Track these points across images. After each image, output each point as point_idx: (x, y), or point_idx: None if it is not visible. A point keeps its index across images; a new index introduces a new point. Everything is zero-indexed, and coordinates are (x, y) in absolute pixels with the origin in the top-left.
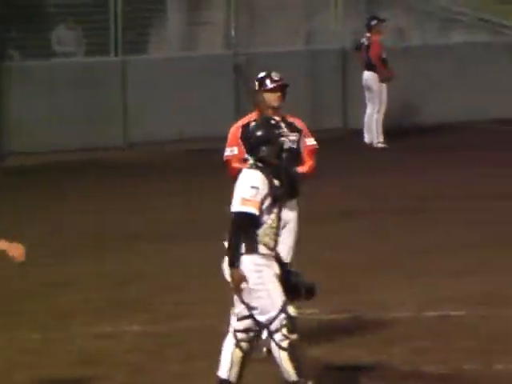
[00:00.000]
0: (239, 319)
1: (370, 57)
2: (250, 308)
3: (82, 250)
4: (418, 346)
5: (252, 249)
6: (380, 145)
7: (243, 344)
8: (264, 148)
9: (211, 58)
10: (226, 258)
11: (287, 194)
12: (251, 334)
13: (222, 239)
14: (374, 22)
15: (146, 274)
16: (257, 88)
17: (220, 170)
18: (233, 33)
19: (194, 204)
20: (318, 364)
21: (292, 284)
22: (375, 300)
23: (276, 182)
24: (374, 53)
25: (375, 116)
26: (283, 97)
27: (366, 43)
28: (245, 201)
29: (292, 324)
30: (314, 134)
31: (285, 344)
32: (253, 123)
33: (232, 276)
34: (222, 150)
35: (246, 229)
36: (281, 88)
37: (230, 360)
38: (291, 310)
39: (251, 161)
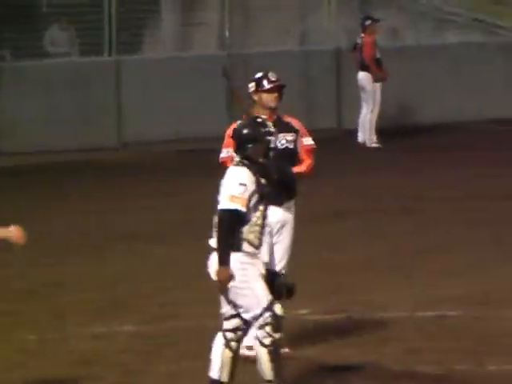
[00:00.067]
0: (226, 319)
1: (363, 57)
2: (235, 306)
3: (79, 250)
4: (411, 346)
5: (236, 247)
6: (373, 145)
7: (232, 344)
8: (250, 146)
9: (205, 58)
10: (212, 258)
11: (285, 194)
12: (240, 333)
13: (208, 237)
14: (368, 22)
15: (141, 274)
16: (254, 89)
17: (214, 170)
18: (227, 33)
19: (189, 204)
20: (311, 364)
21: (273, 284)
22: (370, 300)
23: (263, 180)
24: (366, 54)
25: (368, 116)
26: (280, 97)
27: (360, 44)
28: (233, 198)
29: (277, 323)
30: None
31: (267, 341)
32: (239, 122)
33: (219, 274)
34: (216, 151)
35: (234, 226)
36: (278, 88)
37: (220, 360)
38: (278, 309)
39: (237, 158)
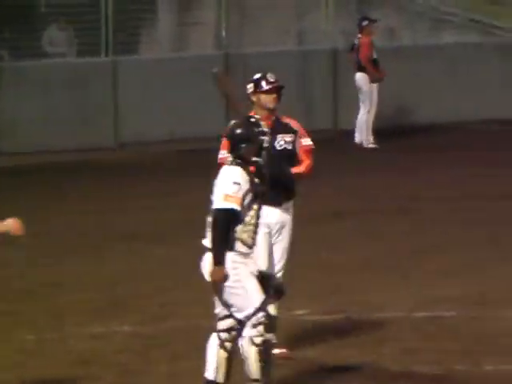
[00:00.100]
0: (220, 319)
1: (360, 58)
2: (228, 306)
3: (77, 250)
4: (409, 347)
5: (229, 246)
6: (370, 145)
7: (227, 344)
8: (243, 146)
9: (202, 58)
10: (205, 258)
11: (284, 195)
12: (234, 333)
13: (201, 237)
14: (365, 23)
15: (140, 274)
16: (252, 89)
17: (213, 171)
18: (223, 33)
19: (188, 204)
20: (310, 364)
21: (263, 284)
22: (367, 300)
23: (256, 180)
24: (362, 54)
25: (365, 116)
26: (279, 98)
27: (357, 44)
28: (227, 197)
29: (270, 323)
30: None
31: (258, 340)
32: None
33: (214, 274)
34: (214, 150)
35: (229, 225)
36: (276, 89)
37: (215, 361)
38: (272, 309)
39: (230, 158)
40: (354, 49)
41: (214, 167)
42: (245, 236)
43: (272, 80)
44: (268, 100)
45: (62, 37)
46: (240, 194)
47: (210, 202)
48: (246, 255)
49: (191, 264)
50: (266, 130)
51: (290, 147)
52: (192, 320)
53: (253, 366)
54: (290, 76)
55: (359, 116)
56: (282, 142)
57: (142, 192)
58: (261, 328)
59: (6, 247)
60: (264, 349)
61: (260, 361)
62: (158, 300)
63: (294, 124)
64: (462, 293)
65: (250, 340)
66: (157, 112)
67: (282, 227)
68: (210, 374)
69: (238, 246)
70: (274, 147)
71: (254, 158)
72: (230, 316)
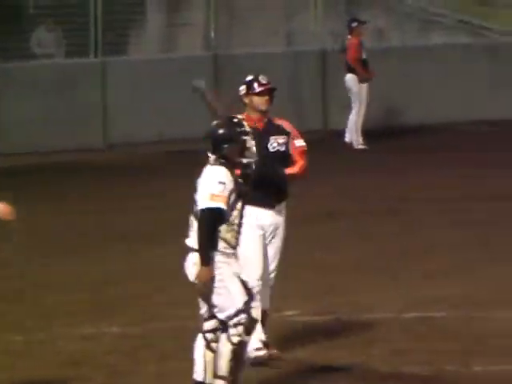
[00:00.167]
0: (206, 320)
1: (347, 59)
2: (210, 306)
3: (66, 251)
4: (398, 347)
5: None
6: (360, 146)
7: (213, 344)
8: (226, 146)
9: (191, 59)
10: (189, 258)
11: (276, 197)
12: (219, 333)
13: (185, 237)
14: (354, 24)
15: (128, 275)
16: (244, 91)
17: (201, 171)
18: (212, 34)
19: (176, 204)
20: (300, 365)
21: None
22: (357, 301)
23: (239, 180)
24: (350, 55)
25: (355, 117)
26: (271, 100)
27: (346, 45)
28: (213, 196)
29: (251, 326)
30: None
31: (235, 340)
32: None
33: (201, 274)
34: (201, 152)
35: (215, 225)
36: (269, 91)
37: (202, 362)
38: (253, 312)
39: (212, 157)
40: (344, 50)
41: (203, 168)
42: (228, 236)
43: (264, 82)
44: (260, 102)
45: (51, 38)
46: (226, 194)
47: (194, 201)
48: (229, 255)
49: (179, 264)
50: (248, 129)
51: (283, 149)
52: (180, 321)
53: (223, 363)
54: (279, 77)
55: (350, 116)
56: (275, 143)
57: (131, 193)
58: (240, 329)
59: None
60: (239, 349)
61: (232, 360)
62: (147, 301)
63: (286, 125)
64: (451, 293)
65: (228, 338)
66: (145, 113)
67: (276, 229)
68: (198, 375)
69: (222, 245)
70: (267, 149)
71: (239, 159)
72: (215, 316)
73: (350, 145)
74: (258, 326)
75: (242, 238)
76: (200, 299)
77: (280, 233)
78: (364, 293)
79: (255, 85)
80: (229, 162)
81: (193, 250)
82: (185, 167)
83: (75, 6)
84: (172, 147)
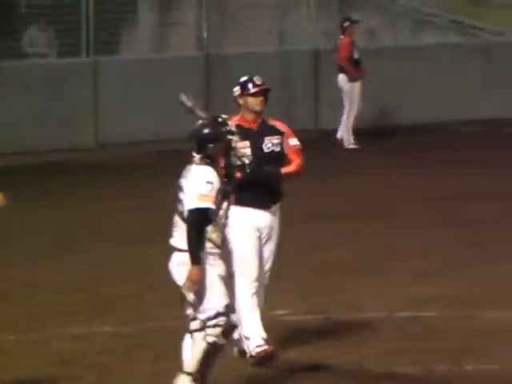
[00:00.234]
0: (192, 319)
1: (337, 59)
2: (191, 306)
3: (57, 251)
4: (390, 347)
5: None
6: (351, 146)
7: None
8: (211, 145)
9: (183, 59)
10: (173, 258)
11: (271, 198)
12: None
13: (169, 237)
14: (346, 24)
15: (121, 274)
16: (239, 92)
17: (183, 171)
18: (204, 34)
19: (168, 204)
20: (291, 365)
21: None
22: (349, 301)
23: (224, 179)
24: (341, 55)
25: (345, 116)
26: (265, 101)
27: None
28: (201, 196)
29: (228, 330)
30: None
31: (210, 339)
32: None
33: (192, 274)
34: (187, 151)
35: (204, 225)
36: (263, 92)
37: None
38: (234, 316)
39: (197, 157)
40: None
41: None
42: (214, 236)
43: (259, 83)
44: (255, 103)
45: (43, 37)
46: (213, 193)
47: (178, 200)
48: (215, 255)
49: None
50: (233, 129)
51: (277, 149)
52: (172, 320)
53: (193, 361)
54: (271, 77)
55: (343, 116)
56: (270, 144)
57: (122, 192)
58: (218, 330)
59: None
60: (212, 350)
61: (202, 359)
62: (139, 300)
63: (280, 125)
64: (443, 293)
65: (204, 337)
66: (137, 112)
67: (271, 230)
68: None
69: (208, 246)
70: (262, 150)
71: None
72: None
73: (341, 142)
74: (260, 324)
75: (239, 239)
76: (186, 299)
77: (275, 234)
78: (356, 292)
79: (250, 85)
80: (214, 162)
81: (177, 249)
82: (177, 167)
83: (67, 6)
84: (164, 147)
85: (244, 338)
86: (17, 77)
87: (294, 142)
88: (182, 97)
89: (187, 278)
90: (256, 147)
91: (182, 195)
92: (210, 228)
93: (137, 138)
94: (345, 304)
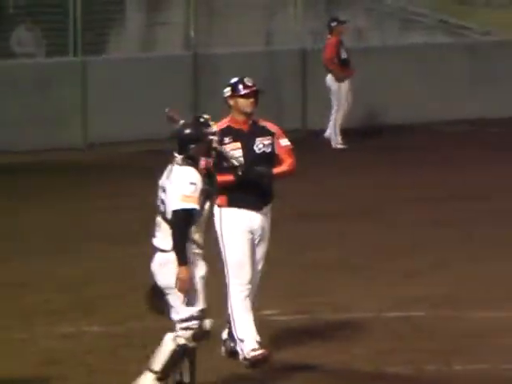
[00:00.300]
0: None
1: (324, 59)
2: (167, 305)
3: (45, 251)
4: (379, 347)
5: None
6: (338, 146)
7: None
8: (192, 146)
9: (170, 58)
10: (156, 258)
11: (262, 199)
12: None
13: (152, 237)
14: (334, 24)
15: (109, 274)
16: (229, 93)
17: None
18: (192, 33)
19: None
20: (281, 365)
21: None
22: (337, 301)
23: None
24: (326, 55)
25: (333, 116)
26: (256, 102)
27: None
28: (185, 197)
29: (200, 334)
30: None
31: (180, 341)
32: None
33: (180, 274)
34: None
35: (189, 225)
36: (254, 94)
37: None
38: (208, 322)
39: (179, 157)
40: None
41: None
42: (197, 236)
43: (250, 84)
44: (245, 104)
45: (31, 37)
46: (197, 194)
47: (160, 201)
48: (196, 255)
49: None
50: (215, 129)
51: (268, 150)
52: (161, 320)
53: (160, 359)
54: (258, 76)
55: (332, 116)
56: (261, 145)
57: (109, 192)
58: (188, 333)
59: None
60: (181, 352)
61: (170, 358)
62: (128, 300)
63: (270, 126)
64: (432, 293)
65: (174, 337)
66: (126, 112)
67: (263, 231)
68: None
69: (190, 246)
70: (253, 151)
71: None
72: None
73: (329, 141)
74: (253, 327)
75: (232, 241)
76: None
77: (266, 235)
78: (344, 292)
79: (240, 87)
80: (195, 162)
81: (159, 249)
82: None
83: (55, 6)
84: (152, 146)
85: (238, 340)
86: (4, 77)
87: (284, 142)
88: (169, 112)
89: (177, 279)
90: (247, 148)
91: (164, 196)
92: (192, 228)
93: (125, 137)
94: (333, 304)
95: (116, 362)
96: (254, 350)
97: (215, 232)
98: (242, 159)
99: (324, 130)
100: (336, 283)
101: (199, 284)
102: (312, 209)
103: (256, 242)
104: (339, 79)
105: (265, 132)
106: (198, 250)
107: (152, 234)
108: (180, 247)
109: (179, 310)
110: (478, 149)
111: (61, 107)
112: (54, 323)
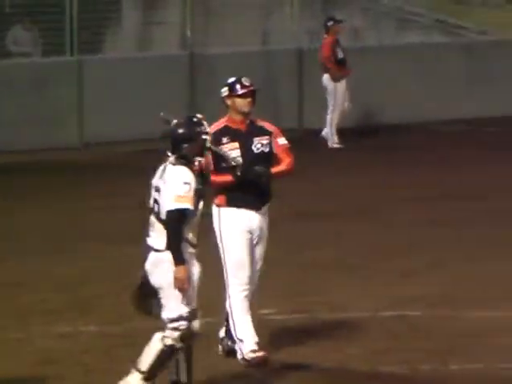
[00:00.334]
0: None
1: (320, 58)
2: (157, 304)
3: (42, 250)
4: (375, 347)
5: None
6: (335, 145)
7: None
8: (185, 145)
9: (167, 57)
10: (150, 258)
11: (261, 199)
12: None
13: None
14: (330, 23)
15: (106, 273)
16: (227, 93)
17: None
18: (188, 33)
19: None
20: (276, 363)
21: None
22: (334, 300)
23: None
24: (323, 54)
25: (329, 116)
26: (253, 102)
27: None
28: (179, 197)
29: (188, 335)
30: None
31: (167, 342)
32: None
33: (178, 273)
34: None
35: (182, 225)
36: (251, 93)
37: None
38: (196, 323)
39: (172, 157)
40: None
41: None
42: (190, 236)
43: (247, 84)
44: (243, 104)
45: (27, 36)
46: (191, 194)
47: (153, 200)
48: (190, 255)
49: None
50: (208, 129)
51: (267, 149)
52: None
53: (147, 359)
54: (254, 76)
55: (328, 116)
56: (259, 144)
57: (105, 192)
58: (176, 334)
59: None
60: (168, 352)
61: (157, 359)
62: (124, 300)
63: (267, 126)
64: (428, 292)
65: (162, 338)
66: (122, 111)
67: (262, 231)
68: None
69: (184, 245)
70: (251, 150)
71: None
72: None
73: (325, 140)
74: (252, 326)
75: (231, 241)
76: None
77: (265, 235)
78: (340, 292)
79: (238, 87)
80: (189, 162)
81: (153, 249)
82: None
83: (51, 5)
84: (148, 146)
85: (237, 340)
86: (0, 76)
87: (282, 141)
88: (164, 115)
89: (174, 278)
90: (246, 148)
91: (157, 196)
92: (186, 228)
93: (121, 136)
94: (330, 303)
95: (112, 361)
96: (253, 351)
97: (214, 232)
98: (240, 159)
99: (321, 129)
100: (332, 282)
101: (191, 284)
102: (309, 208)
103: (255, 242)
104: (335, 79)
105: (262, 131)
106: (191, 250)
107: (146, 234)
108: (176, 247)
109: (169, 309)
110: (474, 148)
111: (57, 107)
112: (51, 323)
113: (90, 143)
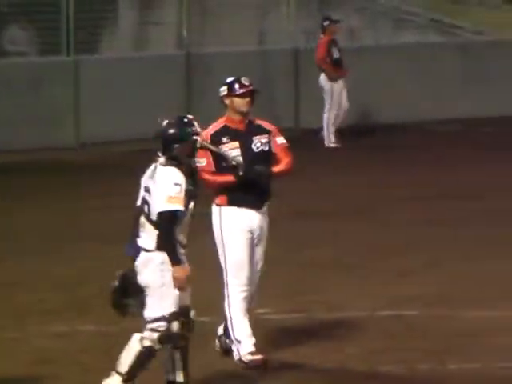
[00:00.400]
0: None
1: (316, 58)
2: (141, 303)
3: (39, 250)
4: (373, 346)
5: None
6: (332, 145)
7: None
8: (176, 146)
9: (163, 57)
10: (141, 258)
11: (260, 198)
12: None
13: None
14: (326, 23)
15: (103, 273)
16: (225, 93)
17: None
18: (185, 33)
19: None
20: (274, 363)
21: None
22: (331, 300)
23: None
24: (318, 54)
25: (326, 115)
26: (252, 102)
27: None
28: (170, 199)
29: (166, 337)
30: None
31: (146, 343)
32: (165, 121)
33: (177, 273)
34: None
35: (174, 226)
36: (250, 93)
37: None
38: (175, 325)
39: (163, 158)
40: None
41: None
42: (181, 237)
43: (246, 84)
44: (241, 104)
45: (23, 36)
46: (182, 195)
47: (144, 201)
48: (180, 255)
49: None
50: (199, 130)
51: (266, 148)
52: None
53: (126, 361)
54: (251, 76)
55: (324, 115)
56: (259, 143)
57: (102, 192)
58: (155, 335)
59: None
60: (147, 353)
61: (136, 360)
62: None
63: (266, 125)
64: (425, 292)
65: (140, 338)
66: (118, 111)
67: (262, 231)
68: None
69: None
70: (251, 149)
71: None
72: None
73: (323, 141)
74: (249, 327)
75: (232, 241)
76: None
77: (265, 235)
78: (338, 291)
79: (236, 86)
80: (179, 162)
81: (143, 249)
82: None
83: (48, 5)
84: (145, 146)
85: (235, 341)
86: None
87: (281, 140)
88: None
89: (174, 278)
90: (245, 147)
91: (148, 196)
92: (177, 229)
93: (118, 137)
94: (327, 303)
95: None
96: (251, 353)
97: (213, 232)
98: (240, 159)
99: (318, 129)
100: (330, 282)
101: (173, 288)
102: (308, 207)
103: (255, 241)
104: (332, 79)
105: (261, 130)
106: (181, 250)
107: (135, 234)
108: (170, 248)
109: (152, 309)
110: (470, 148)
111: (53, 106)
112: (48, 322)
113: (86, 143)
